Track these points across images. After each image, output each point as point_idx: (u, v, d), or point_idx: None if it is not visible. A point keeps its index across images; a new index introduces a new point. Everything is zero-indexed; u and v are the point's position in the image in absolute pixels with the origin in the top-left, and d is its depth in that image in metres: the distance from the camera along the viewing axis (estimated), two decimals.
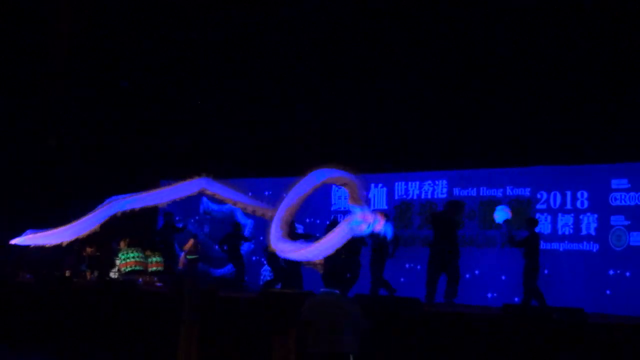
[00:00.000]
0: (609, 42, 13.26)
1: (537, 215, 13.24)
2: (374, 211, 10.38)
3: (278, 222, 10.12)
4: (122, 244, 15.39)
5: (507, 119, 13.96)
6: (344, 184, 10.70)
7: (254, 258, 16.94)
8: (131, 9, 18.33)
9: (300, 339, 6.38)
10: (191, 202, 17.03)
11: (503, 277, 13.60)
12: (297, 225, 14.42)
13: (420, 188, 14.93)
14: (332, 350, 6.17)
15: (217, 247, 16.41)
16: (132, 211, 11.32)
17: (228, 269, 16.97)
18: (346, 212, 12.54)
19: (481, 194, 14.13)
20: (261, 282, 15.82)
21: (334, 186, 14.85)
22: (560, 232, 13.32)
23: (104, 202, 11.16)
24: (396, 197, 15.23)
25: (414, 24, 15.34)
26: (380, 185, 15.40)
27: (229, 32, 17.56)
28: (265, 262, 15.63)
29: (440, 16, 15.05)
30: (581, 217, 13.14)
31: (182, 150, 18.05)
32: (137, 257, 15.19)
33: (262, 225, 13.10)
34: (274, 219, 10.36)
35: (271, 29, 17.08)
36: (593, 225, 13.00)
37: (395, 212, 15.05)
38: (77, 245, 15.52)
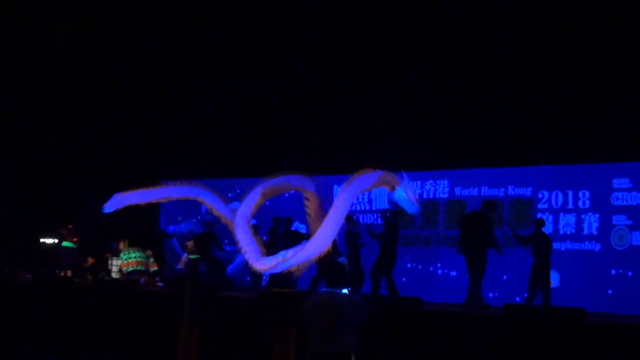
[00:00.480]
0: (609, 42, 13.25)
1: (539, 214, 13.22)
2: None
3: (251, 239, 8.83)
4: (121, 245, 15.37)
5: (509, 118, 13.96)
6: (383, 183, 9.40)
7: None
8: (131, 9, 18.31)
9: (300, 339, 6.35)
10: (193, 202, 16.94)
11: (504, 277, 13.58)
12: (300, 225, 14.33)
13: (421, 187, 14.90)
14: (333, 350, 6.15)
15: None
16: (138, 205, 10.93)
17: (230, 268, 16.90)
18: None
19: (483, 193, 14.10)
20: (263, 283, 15.70)
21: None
22: (562, 232, 13.31)
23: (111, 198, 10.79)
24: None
25: (414, 24, 15.34)
26: None
27: (228, 32, 17.55)
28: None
29: (441, 16, 15.04)
30: (583, 216, 13.12)
31: (182, 150, 18.03)
32: (139, 257, 15.16)
33: None
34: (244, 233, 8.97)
35: (271, 29, 17.06)
36: (595, 225, 12.99)
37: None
38: (77, 251, 15.58)
